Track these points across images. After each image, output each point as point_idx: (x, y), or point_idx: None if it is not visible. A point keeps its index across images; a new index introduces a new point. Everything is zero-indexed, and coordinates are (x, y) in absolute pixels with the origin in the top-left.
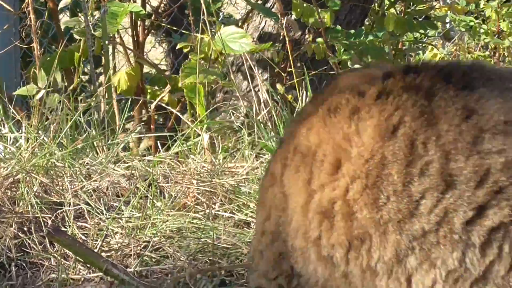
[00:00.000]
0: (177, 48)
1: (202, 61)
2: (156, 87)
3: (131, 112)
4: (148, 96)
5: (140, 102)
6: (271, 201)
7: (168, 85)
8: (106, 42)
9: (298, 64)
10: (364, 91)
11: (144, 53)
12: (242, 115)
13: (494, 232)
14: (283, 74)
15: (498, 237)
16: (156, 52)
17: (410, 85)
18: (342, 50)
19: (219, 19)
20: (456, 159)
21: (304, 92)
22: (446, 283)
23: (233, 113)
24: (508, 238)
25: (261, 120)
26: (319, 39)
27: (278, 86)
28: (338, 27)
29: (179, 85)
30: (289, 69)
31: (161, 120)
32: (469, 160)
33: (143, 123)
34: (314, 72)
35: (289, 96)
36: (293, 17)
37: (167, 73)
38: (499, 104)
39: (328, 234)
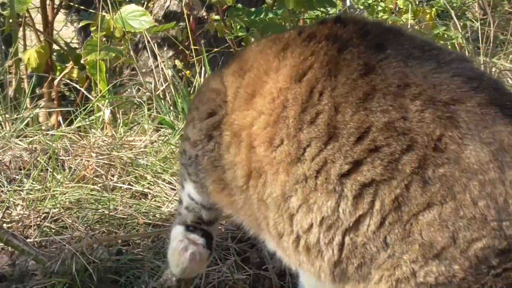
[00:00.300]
0: (79, 25)
1: (104, 39)
2: (65, 65)
3: (42, 90)
4: (58, 73)
5: (49, 79)
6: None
7: (71, 62)
8: (12, 20)
9: (202, 42)
10: (302, 31)
11: (56, 32)
12: (147, 90)
13: (366, 188)
14: (186, 51)
15: (370, 193)
16: (68, 30)
17: (332, 34)
18: (238, 27)
19: None
20: (344, 113)
21: (203, 69)
22: (321, 228)
23: (139, 89)
24: (379, 196)
25: (160, 96)
26: (217, 17)
27: (177, 62)
28: (240, 5)
29: (81, 61)
30: (194, 47)
31: (72, 96)
32: (355, 115)
33: (44, 98)
34: (216, 49)
35: (187, 72)
36: None
37: (78, 51)
38: (399, 68)
39: (235, 149)
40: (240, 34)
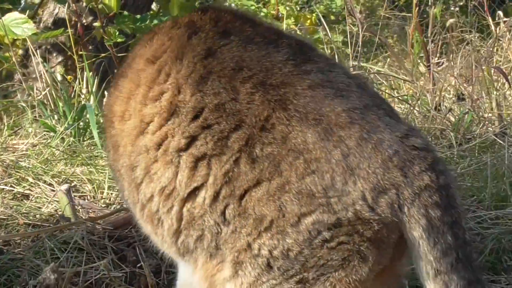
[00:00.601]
0: None
1: None
2: None
3: None
4: None
5: None
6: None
7: None
8: None
9: (90, 47)
10: (176, 20)
11: None
12: (32, 95)
13: (200, 161)
14: (74, 56)
15: (203, 166)
16: None
17: (190, 21)
18: (117, 33)
19: (21, 6)
20: (185, 93)
21: (85, 73)
22: (161, 197)
23: (30, 94)
24: (212, 170)
25: (44, 100)
26: (96, 24)
27: (59, 68)
28: (126, 12)
29: None
30: (81, 52)
31: None
32: (192, 96)
33: None
34: (103, 54)
35: (69, 77)
36: (84, 4)
37: None
38: (237, 53)
39: (107, 132)
40: (119, 40)
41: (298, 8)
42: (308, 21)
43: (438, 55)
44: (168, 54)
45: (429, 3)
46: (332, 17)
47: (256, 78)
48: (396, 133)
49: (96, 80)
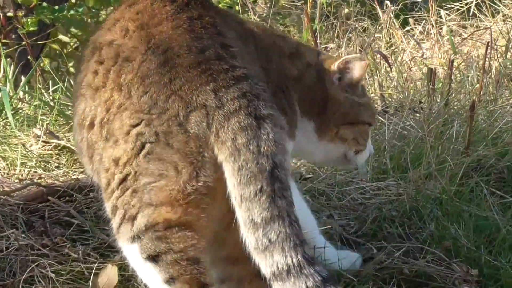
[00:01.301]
0: None
1: None
2: None
3: None
4: None
5: None
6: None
7: None
8: None
9: (14, 36)
10: None
11: None
12: None
13: (96, 94)
14: None
15: (98, 98)
16: None
17: None
18: (30, 23)
19: None
20: (102, 35)
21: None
22: (79, 127)
23: None
24: (101, 100)
25: None
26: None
27: None
28: (45, 4)
29: None
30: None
31: None
32: (104, 37)
33: None
34: (24, 42)
35: None
36: None
37: None
38: (144, 5)
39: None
40: (31, 29)
41: None
42: None
43: (327, 40)
44: (115, 9)
45: None
46: (237, 8)
47: (141, 20)
48: (223, 65)
49: (12, 66)
